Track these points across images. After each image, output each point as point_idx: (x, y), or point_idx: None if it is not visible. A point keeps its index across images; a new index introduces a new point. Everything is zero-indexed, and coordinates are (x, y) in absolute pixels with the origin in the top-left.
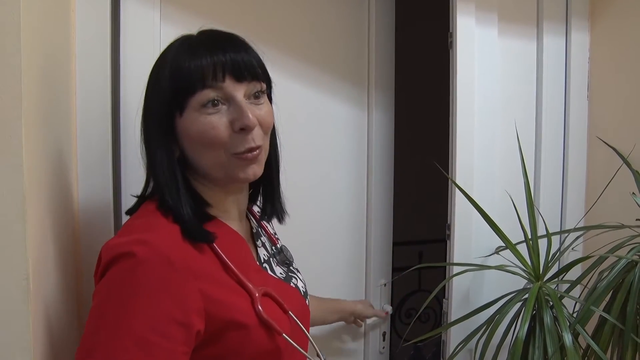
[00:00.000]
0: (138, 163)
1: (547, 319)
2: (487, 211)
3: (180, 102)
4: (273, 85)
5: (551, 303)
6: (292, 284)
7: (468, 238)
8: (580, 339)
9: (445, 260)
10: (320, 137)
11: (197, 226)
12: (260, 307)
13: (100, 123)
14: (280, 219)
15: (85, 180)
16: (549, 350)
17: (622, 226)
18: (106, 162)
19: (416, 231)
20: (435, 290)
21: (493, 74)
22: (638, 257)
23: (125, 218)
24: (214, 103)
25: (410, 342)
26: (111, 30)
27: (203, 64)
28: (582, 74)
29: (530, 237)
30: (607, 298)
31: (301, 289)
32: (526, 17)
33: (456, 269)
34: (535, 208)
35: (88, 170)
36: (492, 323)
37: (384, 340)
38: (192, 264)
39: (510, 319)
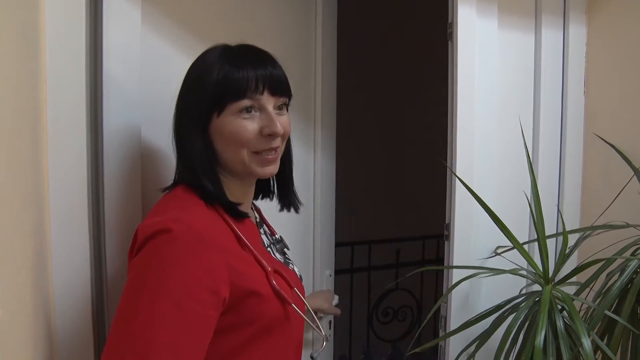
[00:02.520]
0: (117, 163)
1: (560, 324)
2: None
3: (221, 105)
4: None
5: (560, 306)
6: (290, 267)
7: (467, 238)
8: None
9: (425, 258)
10: None
11: (234, 205)
12: (274, 281)
13: (74, 121)
14: (297, 209)
15: (57, 180)
16: (565, 357)
17: (627, 225)
18: (81, 162)
19: (393, 230)
20: (442, 297)
21: (492, 68)
22: None
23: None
24: (249, 110)
25: (413, 351)
26: (87, 25)
27: (249, 77)
28: (579, 70)
29: (538, 236)
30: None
31: (297, 273)
32: (525, 9)
33: (463, 272)
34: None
35: (60, 171)
36: (496, 329)
37: (330, 328)
38: (219, 241)
39: (509, 323)
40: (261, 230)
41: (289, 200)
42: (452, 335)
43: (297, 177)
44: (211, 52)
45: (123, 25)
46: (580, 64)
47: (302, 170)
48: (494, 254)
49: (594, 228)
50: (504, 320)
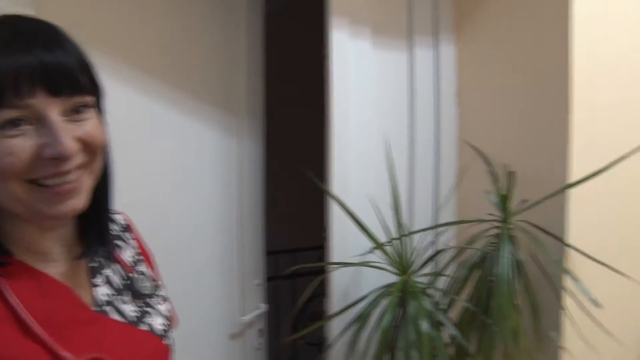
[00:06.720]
0: None
1: (411, 309)
2: (364, 214)
3: None
4: (105, 93)
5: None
6: (144, 325)
7: (344, 240)
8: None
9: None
10: (186, 159)
11: None
12: None
13: None
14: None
15: None
16: (410, 337)
17: (474, 221)
18: None
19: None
20: (309, 288)
21: (368, 84)
22: (491, 248)
23: None
24: (15, 124)
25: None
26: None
27: (2, 72)
28: (451, 84)
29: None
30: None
31: (157, 328)
32: (397, 31)
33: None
34: (399, 210)
35: None
36: (364, 316)
37: (260, 336)
38: None
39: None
40: (99, 280)
41: (100, 242)
42: (327, 321)
43: (211, 171)
44: None
45: None
46: (452, 79)
47: (220, 163)
48: (366, 252)
49: (438, 225)
50: (369, 307)
